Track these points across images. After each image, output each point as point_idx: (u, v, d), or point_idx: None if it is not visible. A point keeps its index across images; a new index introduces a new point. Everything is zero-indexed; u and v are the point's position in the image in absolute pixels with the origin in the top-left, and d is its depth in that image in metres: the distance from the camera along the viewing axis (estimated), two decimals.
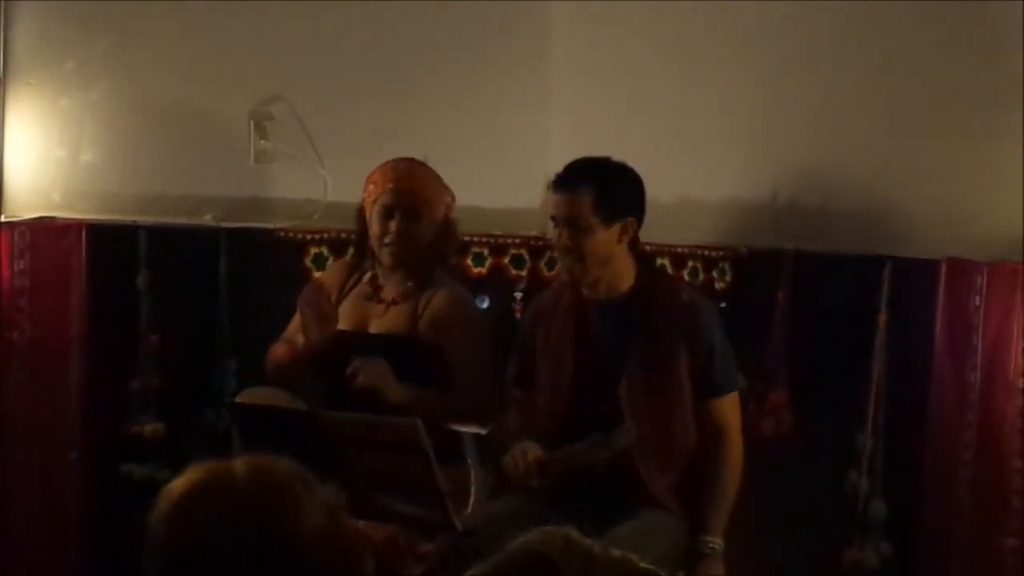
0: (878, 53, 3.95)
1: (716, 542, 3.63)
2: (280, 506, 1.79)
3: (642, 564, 1.69)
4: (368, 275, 4.04)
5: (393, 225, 3.90)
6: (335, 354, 3.93)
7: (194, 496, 1.81)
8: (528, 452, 3.63)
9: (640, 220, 3.69)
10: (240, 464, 1.83)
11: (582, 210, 3.62)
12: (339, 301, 4.05)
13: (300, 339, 3.99)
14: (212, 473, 1.83)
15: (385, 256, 3.94)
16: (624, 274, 3.72)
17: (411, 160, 4.00)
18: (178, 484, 1.82)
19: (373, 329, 3.97)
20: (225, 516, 1.78)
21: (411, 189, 3.92)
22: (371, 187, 3.96)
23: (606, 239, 3.64)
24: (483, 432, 3.93)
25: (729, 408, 3.71)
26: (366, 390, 3.77)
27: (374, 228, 3.94)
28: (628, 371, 3.66)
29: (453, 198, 4.02)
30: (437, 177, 3.99)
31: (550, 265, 4.63)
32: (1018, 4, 3.60)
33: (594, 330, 3.74)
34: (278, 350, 4.01)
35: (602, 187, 3.62)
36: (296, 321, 4.08)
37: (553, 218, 3.71)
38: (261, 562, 1.77)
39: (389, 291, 3.99)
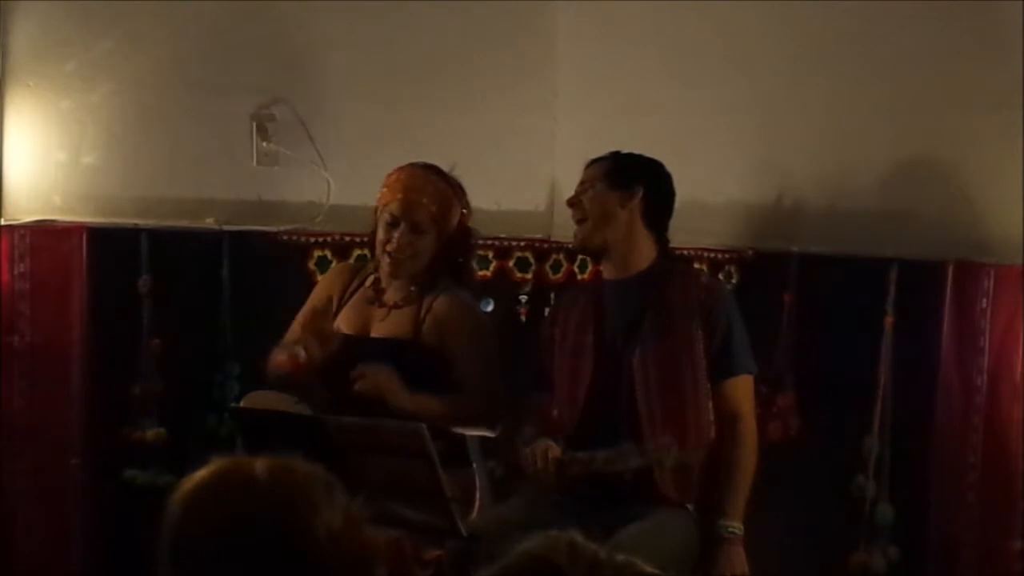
0: (884, 55, 3.95)
1: (735, 526, 3.60)
2: (296, 505, 1.81)
3: (648, 568, 1.68)
4: (371, 278, 4.02)
5: (396, 235, 3.88)
6: (337, 359, 3.92)
7: (213, 484, 1.84)
8: (548, 450, 3.62)
9: (652, 194, 3.76)
10: (263, 461, 1.86)
11: (593, 174, 3.81)
12: (341, 304, 4.02)
13: (300, 351, 3.92)
14: (234, 465, 1.86)
15: (385, 263, 3.93)
16: (642, 252, 3.76)
17: (428, 169, 3.94)
18: (200, 472, 1.86)
19: (375, 333, 3.95)
20: (240, 507, 1.81)
21: (419, 202, 3.87)
22: (385, 191, 3.93)
23: (608, 198, 3.75)
24: (491, 435, 3.91)
25: (743, 392, 3.70)
26: (370, 396, 3.76)
27: (379, 234, 3.92)
28: (641, 343, 3.67)
29: (468, 209, 3.97)
30: (452, 189, 3.93)
31: (555, 268, 4.62)
32: (1021, 6, 3.59)
33: (612, 307, 3.77)
34: (279, 358, 3.97)
35: (618, 159, 3.82)
36: (296, 323, 4.05)
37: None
38: (270, 556, 1.79)
39: (391, 295, 3.96)
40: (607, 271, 3.84)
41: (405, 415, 3.69)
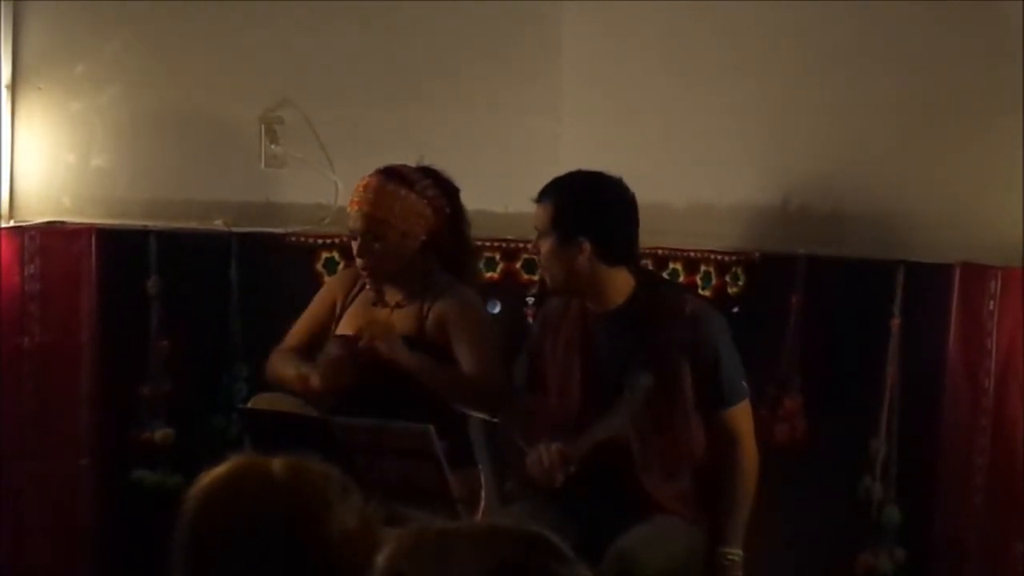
0: (890, 58, 3.95)
1: (735, 553, 3.61)
2: (311, 504, 1.85)
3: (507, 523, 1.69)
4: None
5: (356, 248, 3.91)
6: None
7: (229, 481, 1.88)
8: (553, 447, 3.60)
9: (599, 244, 3.63)
10: (280, 460, 1.89)
11: (540, 221, 3.70)
12: (345, 308, 4.04)
13: (314, 378, 3.89)
14: (251, 464, 1.90)
15: (362, 274, 3.95)
16: (614, 288, 3.68)
17: (389, 178, 3.91)
18: (218, 469, 1.90)
19: None
20: (256, 504, 1.85)
21: (365, 213, 3.86)
22: (350, 202, 3.94)
23: (560, 254, 3.66)
24: (492, 420, 3.91)
25: (741, 417, 3.68)
26: (376, 356, 3.79)
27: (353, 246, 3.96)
28: (629, 384, 3.64)
29: (443, 201, 3.94)
30: (407, 189, 3.89)
31: None
32: None
33: (597, 341, 3.72)
34: (287, 372, 3.97)
35: (561, 203, 3.67)
36: (298, 328, 4.07)
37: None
38: (284, 554, 1.82)
39: (391, 296, 3.98)
40: (589, 301, 3.74)
41: (405, 374, 3.74)
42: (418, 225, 3.90)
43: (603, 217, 3.66)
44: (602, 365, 3.71)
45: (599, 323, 3.72)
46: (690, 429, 3.65)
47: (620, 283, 3.69)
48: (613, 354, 3.69)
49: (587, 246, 3.62)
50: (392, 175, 3.92)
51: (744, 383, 3.69)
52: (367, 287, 4.02)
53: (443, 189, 3.96)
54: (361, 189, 3.90)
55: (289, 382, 3.94)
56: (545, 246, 3.68)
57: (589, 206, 3.67)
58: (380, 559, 1.64)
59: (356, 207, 3.89)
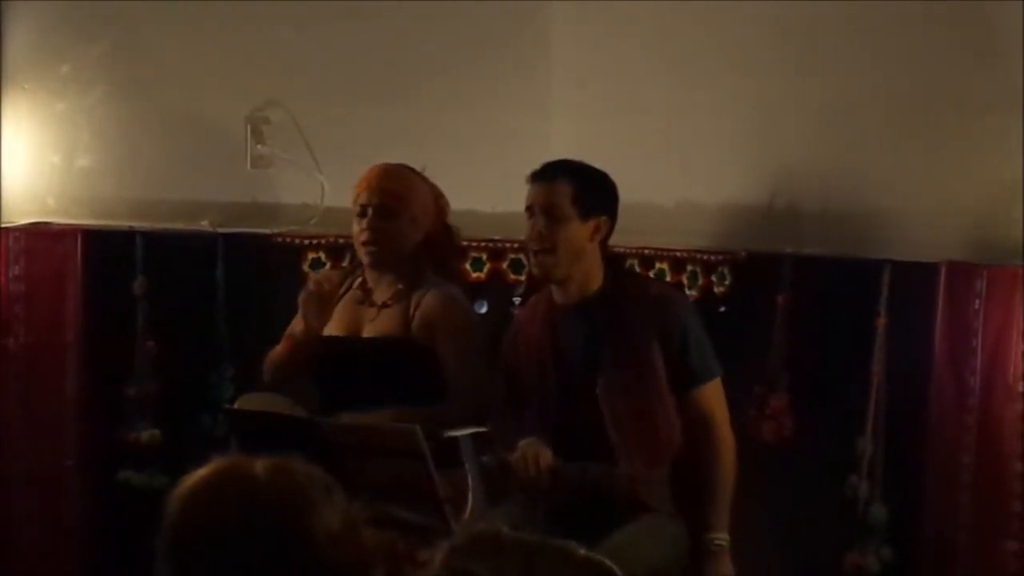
0: (877, 56, 3.95)
1: (722, 538, 3.62)
2: (294, 505, 1.84)
3: (581, 552, 1.72)
4: (359, 280, 4.03)
5: (366, 222, 3.89)
6: (327, 359, 3.93)
7: (212, 483, 1.87)
8: (540, 457, 3.60)
9: (613, 222, 3.71)
10: (263, 461, 1.89)
11: (560, 199, 3.67)
12: (332, 305, 4.04)
13: (297, 328, 3.97)
14: (234, 465, 1.89)
15: (362, 254, 3.95)
16: (594, 274, 3.72)
17: (395, 164, 3.99)
18: (200, 471, 1.89)
19: (366, 333, 3.96)
20: (239, 506, 1.84)
21: (384, 187, 3.90)
22: (355, 190, 3.96)
23: (580, 233, 3.66)
24: (483, 430, 3.91)
25: (712, 397, 3.69)
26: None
27: (353, 228, 3.95)
28: (603, 372, 3.65)
29: (446, 202, 4.00)
30: (422, 180, 3.97)
31: None
32: (1019, 7, 3.59)
33: (567, 335, 3.73)
34: (276, 349, 4.01)
35: (580, 181, 3.69)
36: (296, 321, 4.07)
37: (529, 208, 3.73)
38: (269, 556, 1.82)
39: (380, 294, 3.98)
40: (558, 295, 3.75)
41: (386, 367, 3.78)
42: (425, 216, 3.95)
43: (617, 200, 3.72)
44: (572, 359, 3.72)
45: (566, 315, 3.73)
46: (667, 413, 3.65)
47: (598, 269, 3.72)
48: (583, 346, 3.70)
49: (607, 223, 3.67)
50: (403, 166, 3.98)
51: (715, 362, 3.70)
52: (354, 286, 4.02)
53: (434, 186, 4.00)
54: (375, 171, 3.93)
55: (280, 353, 3.97)
56: (565, 223, 3.65)
57: (609, 187, 3.72)
58: (438, 556, 1.65)
59: (369, 184, 3.91)
